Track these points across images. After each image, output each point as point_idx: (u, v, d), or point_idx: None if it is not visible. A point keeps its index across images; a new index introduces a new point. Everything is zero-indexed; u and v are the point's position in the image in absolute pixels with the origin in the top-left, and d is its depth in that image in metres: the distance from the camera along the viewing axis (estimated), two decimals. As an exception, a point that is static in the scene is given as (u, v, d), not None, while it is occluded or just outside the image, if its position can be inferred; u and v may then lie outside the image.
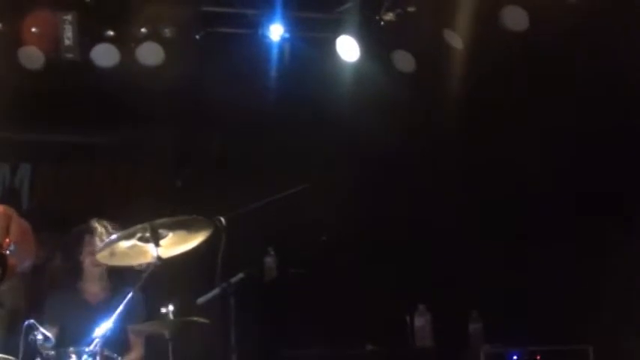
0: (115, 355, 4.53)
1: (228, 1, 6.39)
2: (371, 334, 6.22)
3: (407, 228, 6.54)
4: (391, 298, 6.38)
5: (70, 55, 6.07)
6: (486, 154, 6.56)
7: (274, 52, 6.55)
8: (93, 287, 5.54)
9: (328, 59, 6.45)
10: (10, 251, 2.16)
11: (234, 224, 5.01)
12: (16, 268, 2.17)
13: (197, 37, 6.38)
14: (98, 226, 5.46)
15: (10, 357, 4.58)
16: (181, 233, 4.60)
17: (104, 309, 4.91)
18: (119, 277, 5.46)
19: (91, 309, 5.31)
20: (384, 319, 6.30)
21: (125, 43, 6.21)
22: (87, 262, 5.51)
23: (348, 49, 6.42)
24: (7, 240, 2.17)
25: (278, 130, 6.66)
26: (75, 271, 5.55)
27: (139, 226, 4.47)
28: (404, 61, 6.44)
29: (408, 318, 6.23)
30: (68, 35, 6.00)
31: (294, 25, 6.44)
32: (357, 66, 6.46)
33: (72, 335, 4.94)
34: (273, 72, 6.57)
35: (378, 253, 6.50)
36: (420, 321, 6.20)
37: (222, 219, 4.94)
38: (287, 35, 6.47)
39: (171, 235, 4.55)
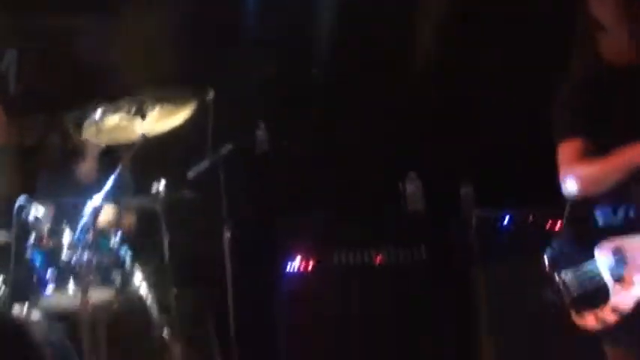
0: (109, 228, 4.58)
1: None
2: (364, 201, 6.28)
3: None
4: (382, 166, 6.42)
5: None
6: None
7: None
8: (87, 164, 5.55)
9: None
10: None
11: (224, 95, 4.99)
12: None
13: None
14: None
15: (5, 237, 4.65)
16: (168, 106, 4.56)
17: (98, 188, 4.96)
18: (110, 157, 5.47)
19: (85, 188, 5.33)
20: (375, 185, 6.36)
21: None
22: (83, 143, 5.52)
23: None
24: None
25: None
26: (74, 152, 5.57)
27: (124, 100, 4.43)
28: None
29: (400, 185, 6.27)
30: None
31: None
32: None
33: (64, 209, 4.97)
34: None
35: (369, 121, 6.48)
36: (411, 187, 6.24)
37: (210, 89, 4.92)
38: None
39: (159, 108, 4.50)
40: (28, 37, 6.54)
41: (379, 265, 5.78)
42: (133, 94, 4.60)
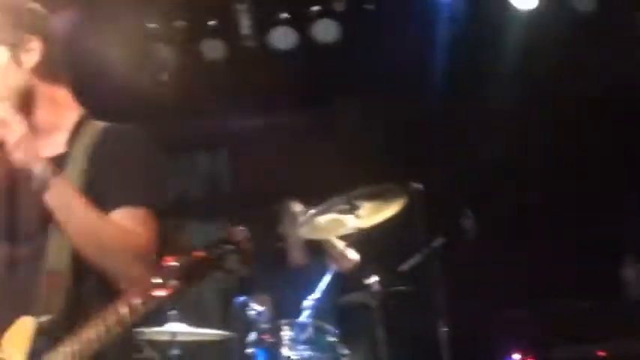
0: (326, 325, 4.60)
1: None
2: (581, 289, 5.98)
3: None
4: (598, 250, 6.11)
5: (249, 43, 6.23)
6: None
7: (448, 12, 6.39)
8: (296, 253, 5.66)
9: (502, 10, 6.22)
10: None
11: (429, 187, 4.97)
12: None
13: (370, 6, 6.33)
14: (297, 204, 5.58)
15: (226, 333, 4.78)
16: (378, 202, 4.61)
17: (307, 274, 5.04)
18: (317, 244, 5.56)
19: (295, 275, 5.41)
20: (592, 272, 6.04)
21: (300, 23, 6.26)
22: (289, 234, 5.65)
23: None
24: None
25: (456, 90, 6.51)
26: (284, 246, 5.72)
27: (336, 199, 4.52)
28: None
29: (619, 270, 5.93)
30: (245, 23, 6.16)
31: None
32: (534, 13, 6.18)
33: (281, 305, 5.05)
34: (446, 31, 6.42)
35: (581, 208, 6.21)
36: (631, 273, 5.89)
37: (417, 184, 4.91)
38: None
39: (368, 204, 4.58)
40: (236, 136, 6.86)
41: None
42: (343, 190, 4.69)
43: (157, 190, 2.47)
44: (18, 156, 2.36)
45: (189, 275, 2.14)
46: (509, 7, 6.17)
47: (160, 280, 2.14)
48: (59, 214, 2.36)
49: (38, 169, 2.35)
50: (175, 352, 4.53)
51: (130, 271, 2.33)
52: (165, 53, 6.23)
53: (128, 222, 2.38)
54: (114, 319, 2.21)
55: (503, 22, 6.31)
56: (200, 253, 2.14)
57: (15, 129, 2.37)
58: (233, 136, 6.85)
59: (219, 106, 6.47)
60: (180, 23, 6.13)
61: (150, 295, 2.16)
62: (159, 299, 2.17)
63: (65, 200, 2.35)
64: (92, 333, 2.24)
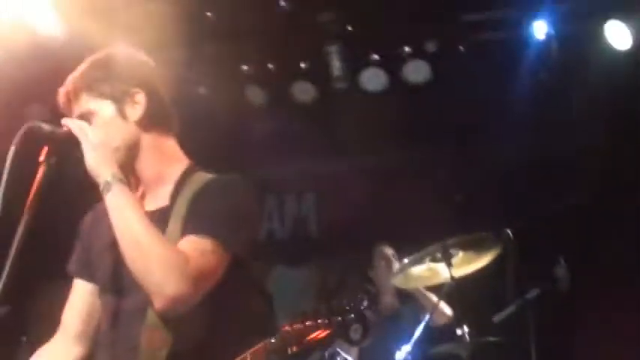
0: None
1: (487, 6, 6.18)
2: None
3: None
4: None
5: (339, 85, 6.21)
6: None
7: (540, 52, 6.26)
8: (387, 298, 5.59)
9: (598, 49, 6.05)
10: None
11: (521, 235, 4.85)
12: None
13: (461, 48, 6.25)
14: (388, 250, 5.54)
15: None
16: (472, 251, 4.55)
17: (397, 323, 4.95)
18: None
19: (385, 323, 5.32)
20: None
21: (391, 64, 6.22)
22: (380, 279, 5.60)
23: (618, 36, 5.98)
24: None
25: (554, 131, 6.35)
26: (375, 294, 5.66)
27: (430, 248, 4.49)
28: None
29: None
30: (336, 65, 6.15)
31: (557, 19, 6.11)
32: (632, 53, 5.99)
33: (371, 355, 4.97)
34: (541, 72, 6.28)
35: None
36: None
37: (509, 231, 4.80)
38: (552, 31, 6.15)
39: (462, 254, 4.54)
40: (325, 180, 6.84)
41: None
42: (432, 240, 4.62)
43: (232, 230, 2.40)
44: (90, 160, 2.36)
45: (309, 344, 2.07)
46: (604, 48, 6.01)
47: (277, 346, 2.08)
48: (112, 218, 2.34)
49: (106, 176, 2.34)
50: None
51: (163, 287, 2.25)
52: (257, 95, 6.25)
53: (185, 247, 2.32)
54: None
55: (598, 62, 6.14)
56: (323, 321, 2.07)
57: (91, 135, 2.37)
58: (321, 179, 6.82)
59: (307, 149, 6.46)
60: (271, 65, 6.14)
61: None
62: None
63: (120, 204, 2.32)
64: None
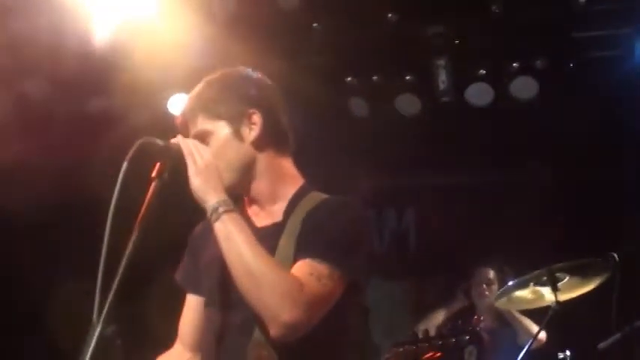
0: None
1: (597, 23, 6.01)
2: None
3: None
4: None
5: (445, 99, 6.14)
6: None
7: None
8: (486, 318, 5.51)
9: None
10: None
11: (629, 260, 4.69)
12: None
13: (570, 65, 6.10)
14: (490, 272, 5.48)
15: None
16: (578, 276, 4.45)
17: (492, 340, 4.89)
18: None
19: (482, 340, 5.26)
20: None
21: (498, 79, 6.12)
22: (476, 297, 5.59)
23: None
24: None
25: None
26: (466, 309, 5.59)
27: (536, 272, 4.43)
28: None
29: None
30: (442, 79, 6.08)
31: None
32: None
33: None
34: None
35: None
36: None
37: (615, 255, 4.66)
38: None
39: (568, 278, 4.45)
40: (425, 195, 6.77)
41: None
42: (533, 261, 4.53)
43: (348, 255, 2.35)
44: (195, 185, 2.34)
45: None
46: None
47: None
48: (222, 246, 2.31)
49: (212, 203, 2.33)
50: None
51: (279, 315, 2.22)
52: (361, 108, 6.23)
53: (301, 272, 2.29)
54: None
55: None
56: (435, 343, 2.02)
57: (197, 158, 2.36)
58: (422, 194, 6.76)
59: (409, 163, 6.41)
60: (376, 78, 6.12)
61: None
62: None
63: (229, 233, 2.30)
64: None
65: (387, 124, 6.32)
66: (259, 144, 2.50)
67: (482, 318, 2.08)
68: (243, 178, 2.50)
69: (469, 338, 1.99)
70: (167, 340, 2.81)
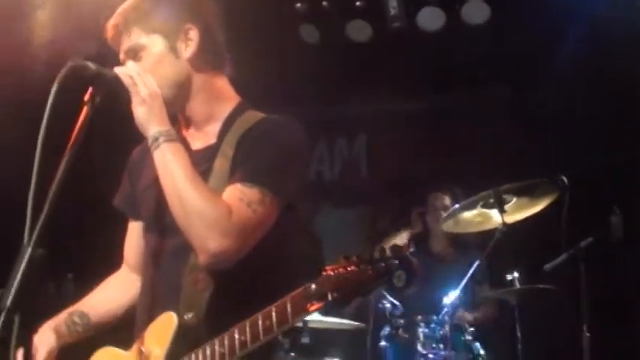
0: (463, 323, 4.49)
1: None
2: None
3: None
4: None
5: (396, 24, 6.08)
6: None
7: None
8: (438, 245, 5.54)
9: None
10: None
11: (577, 182, 4.74)
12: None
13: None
14: (443, 196, 5.47)
15: (359, 324, 4.73)
16: (526, 197, 4.47)
17: (449, 269, 4.93)
18: (462, 237, 5.41)
19: (437, 268, 5.30)
20: None
21: (450, 3, 6.06)
22: (432, 222, 5.56)
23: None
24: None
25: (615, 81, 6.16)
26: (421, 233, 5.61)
27: (482, 194, 4.45)
28: None
29: None
30: (393, 4, 6.01)
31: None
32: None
33: (417, 299, 4.96)
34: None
35: None
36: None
37: (565, 178, 4.70)
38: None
39: (515, 200, 4.47)
40: (376, 121, 6.75)
41: None
42: (485, 184, 4.54)
43: (280, 179, 2.34)
44: (138, 115, 2.33)
45: (351, 290, 2.02)
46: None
47: (317, 291, 2.04)
48: (159, 173, 2.31)
49: (154, 132, 2.31)
50: (305, 339, 4.50)
51: (206, 243, 2.23)
52: (311, 34, 6.15)
53: (231, 197, 2.27)
54: (263, 327, 2.13)
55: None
56: (365, 267, 2.01)
57: (141, 88, 2.33)
58: (374, 122, 6.73)
59: (360, 90, 6.37)
60: (326, 3, 6.02)
61: (305, 308, 2.06)
62: (312, 313, 2.08)
63: (167, 161, 2.29)
64: (237, 339, 2.17)
65: (338, 51, 6.25)
66: (195, 61, 2.46)
67: (411, 244, 2.04)
68: (178, 95, 2.46)
69: (398, 263, 1.98)
70: (115, 265, 2.82)
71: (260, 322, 2.13)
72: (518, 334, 4.68)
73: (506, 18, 6.04)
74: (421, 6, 6.08)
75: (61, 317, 2.66)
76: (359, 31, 6.15)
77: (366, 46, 6.20)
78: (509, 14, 6.02)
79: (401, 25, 6.08)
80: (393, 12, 6.01)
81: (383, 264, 1.99)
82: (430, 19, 6.08)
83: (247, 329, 2.15)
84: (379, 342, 4.52)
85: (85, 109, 2.25)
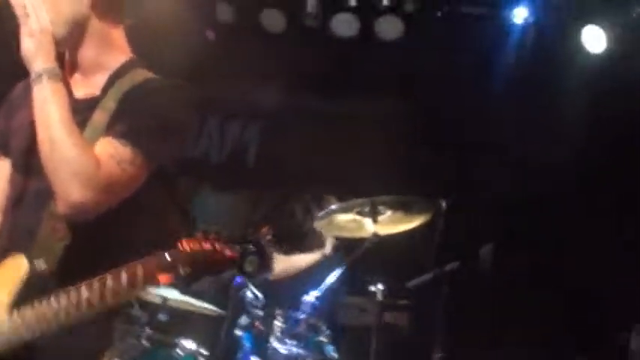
0: (320, 324, 4.52)
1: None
2: (581, 346, 5.83)
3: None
4: (607, 313, 5.93)
5: (310, 22, 6.12)
6: None
7: (515, 36, 6.27)
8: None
9: (571, 49, 6.06)
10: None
11: (455, 208, 4.85)
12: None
13: (439, 14, 6.20)
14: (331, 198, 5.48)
15: (218, 310, 4.71)
16: (401, 212, 4.52)
17: (315, 267, 4.96)
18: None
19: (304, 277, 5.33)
20: (596, 333, 5.88)
21: (366, 14, 6.14)
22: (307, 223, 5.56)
23: (594, 39, 5.99)
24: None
25: (508, 114, 6.36)
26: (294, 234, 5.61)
27: (358, 201, 4.46)
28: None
29: (625, 336, 5.76)
30: (312, 2, 6.05)
31: (538, 9, 6.11)
32: (602, 58, 6.00)
33: (279, 294, 4.97)
34: (511, 56, 6.29)
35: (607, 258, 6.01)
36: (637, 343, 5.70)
37: (444, 202, 4.80)
38: (530, 20, 6.17)
39: (390, 213, 4.51)
40: (275, 113, 6.76)
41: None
42: (366, 194, 4.60)
43: (157, 142, 2.29)
44: (26, 47, 2.26)
45: (203, 267, 2.00)
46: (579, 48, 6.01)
47: (169, 263, 2.02)
48: (35, 110, 2.24)
49: (39, 67, 2.25)
50: (163, 316, 4.45)
51: (67, 192, 2.17)
52: (225, 13, 6.11)
53: (103, 152, 2.22)
54: (110, 288, 2.09)
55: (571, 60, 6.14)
56: (221, 247, 2.00)
57: (33, 20, 2.26)
58: (270, 112, 6.73)
59: (264, 79, 6.36)
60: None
61: (155, 277, 2.04)
62: (162, 284, 2.06)
63: (46, 99, 2.23)
64: (83, 295, 2.12)
65: (250, 36, 6.24)
66: (96, 5, 2.39)
67: (270, 233, 2.05)
68: (71, 35, 2.38)
69: (253, 248, 1.99)
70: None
71: (109, 282, 2.09)
72: (373, 345, 4.74)
73: (419, 37, 6.18)
74: (338, 10, 6.14)
75: None
76: (273, 20, 6.16)
77: (277, 37, 6.21)
78: (422, 33, 6.16)
79: (316, 25, 6.14)
80: (309, 10, 6.05)
81: (238, 246, 1.99)
82: (344, 25, 6.15)
83: (95, 287, 2.11)
84: (235, 329, 4.50)
85: None
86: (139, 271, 2.06)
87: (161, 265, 2.03)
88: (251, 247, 2.00)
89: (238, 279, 4.38)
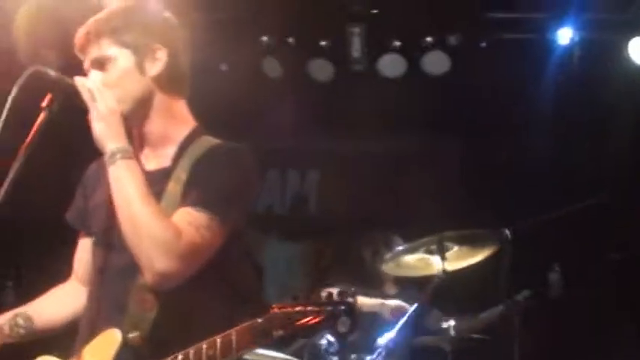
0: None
1: (514, 5, 6.17)
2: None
3: None
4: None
5: (358, 67, 6.19)
6: None
7: (562, 57, 6.25)
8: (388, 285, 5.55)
9: (619, 63, 6.03)
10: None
11: (520, 236, 4.84)
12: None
13: (483, 44, 6.23)
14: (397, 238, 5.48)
15: (294, 359, 4.73)
16: (467, 246, 4.55)
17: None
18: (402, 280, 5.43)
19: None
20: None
21: (411, 52, 6.19)
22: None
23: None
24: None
25: (563, 136, 6.33)
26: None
27: (425, 239, 4.49)
28: None
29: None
30: (356, 47, 6.12)
31: (583, 27, 6.09)
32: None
33: (352, 338, 4.96)
34: (560, 77, 6.27)
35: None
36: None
37: (508, 231, 4.79)
38: (576, 38, 6.14)
39: (457, 248, 4.54)
40: (331, 160, 6.83)
41: None
42: (430, 230, 4.61)
43: (230, 206, 2.39)
44: (97, 130, 2.35)
45: (295, 330, 2.04)
46: (626, 62, 5.98)
47: (263, 328, 2.06)
48: (113, 189, 2.34)
49: (112, 148, 2.34)
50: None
51: (153, 263, 2.26)
52: (274, 69, 6.21)
53: (181, 220, 2.31)
54: (205, 356, 2.14)
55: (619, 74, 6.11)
56: (313, 309, 2.05)
57: (101, 104, 2.36)
58: (327, 159, 6.80)
59: (317, 127, 6.44)
60: (291, 39, 6.11)
61: (251, 342, 2.09)
62: (256, 348, 2.10)
63: (122, 178, 2.32)
64: None
65: (299, 87, 6.34)
66: (159, 81, 2.50)
67: (355, 291, 2.08)
68: (138, 111, 2.49)
69: (344, 309, 2.03)
70: (56, 275, 2.83)
71: (204, 351, 2.15)
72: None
73: (465, 70, 6.21)
74: (383, 52, 6.20)
75: (7, 316, 2.66)
76: (321, 70, 6.24)
77: (327, 85, 6.29)
78: (469, 65, 6.19)
79: (362, 69, 6.21)
80: (355, 55, 6.12)
81: (330, 308, 2.03)
82: (391, 65, 6.20)
83: (191, 356, 2.18)
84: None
85: (42, 115, 2.29)
86: (234, 338, 2.11)
87: (254, 330, 2.08)
88: (342, 308, 2.03)
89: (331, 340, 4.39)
